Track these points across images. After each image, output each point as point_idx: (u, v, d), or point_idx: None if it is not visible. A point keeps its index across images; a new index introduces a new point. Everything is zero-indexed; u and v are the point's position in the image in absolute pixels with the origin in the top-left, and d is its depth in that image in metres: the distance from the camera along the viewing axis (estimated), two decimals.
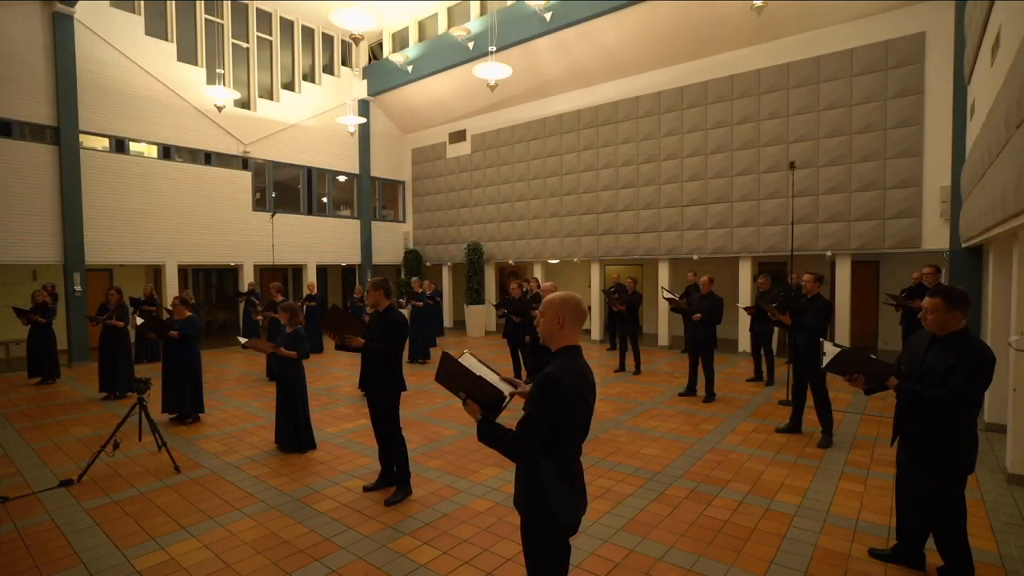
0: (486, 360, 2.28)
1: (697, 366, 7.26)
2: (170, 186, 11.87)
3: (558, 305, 1.98)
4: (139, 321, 7.23)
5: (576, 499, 1.95)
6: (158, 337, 6.32)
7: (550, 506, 1.89)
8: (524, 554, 2.00)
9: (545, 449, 1.87)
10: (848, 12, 9.03)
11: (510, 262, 14.73)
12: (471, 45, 12.80)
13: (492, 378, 2.10)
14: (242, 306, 12.02)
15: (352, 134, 14.79)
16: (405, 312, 8.27)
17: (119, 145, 11.25)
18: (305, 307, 10.47)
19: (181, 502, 4.14)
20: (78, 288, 10.35)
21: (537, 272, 13.63)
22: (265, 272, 14.41)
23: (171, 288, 11.74)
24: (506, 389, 2.07)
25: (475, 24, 12.85)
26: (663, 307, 11.57)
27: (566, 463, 1.93)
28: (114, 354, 7.58)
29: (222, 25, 12.78)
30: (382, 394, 4.15)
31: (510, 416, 2.07)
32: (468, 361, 2.15)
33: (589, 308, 13.15)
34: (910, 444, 2.91)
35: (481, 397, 2.01)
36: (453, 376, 2.05)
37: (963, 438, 2.72)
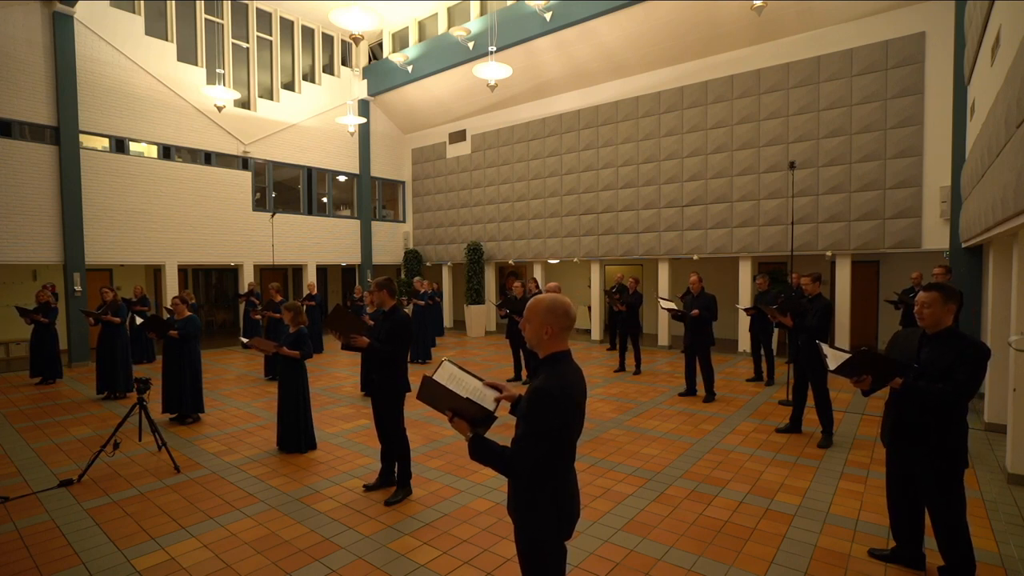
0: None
1: (695, 367, 7.27)
2: (170, 186, 11.87)
3: (544, 314, 1.88)
4: (139, 321, 7.22)
5: (569, 507, 1.92)
6: (158, 336, 6.31)
7: (543, 514, 1.86)
8: (519, 558, 1.98)
9: (540, 462, 1.83)
10: (848, 12, 9.03)
11: (510, 262, 14.73)
12: (471, 45, 12.80)
13: (475, 386, 2.03)
14: (242, 306, 12.02)
15: (352, 134, 14.78)
16: (407, 311, 8.27)
17: (119, 145, 11.25)
18: (305, 307, 10.46)
19: (181, 502, 4.14)
20: (78, 288, 10.35)
21: (537, 272, 13.62)
22: (265, 272, 14.41)
23: (171, 288, 11.73)
24: (491, 397, 2.00)
25: (475, 24, 12.85)
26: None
27: (560, 471, 1.89)
28: (111, 354, 7.57)
29: (222, 25, 12.77)
30: (386, 395, 4.14)
31: (501, 417, 2.04)
32: (448, 369, 2.06)
33: (589, 308, 13.15)
34: (913, 442, 2.92)
35: (468, 415, 1.94)
36: (436, 397, 1.98)
37: (960, 432, 2.80)
